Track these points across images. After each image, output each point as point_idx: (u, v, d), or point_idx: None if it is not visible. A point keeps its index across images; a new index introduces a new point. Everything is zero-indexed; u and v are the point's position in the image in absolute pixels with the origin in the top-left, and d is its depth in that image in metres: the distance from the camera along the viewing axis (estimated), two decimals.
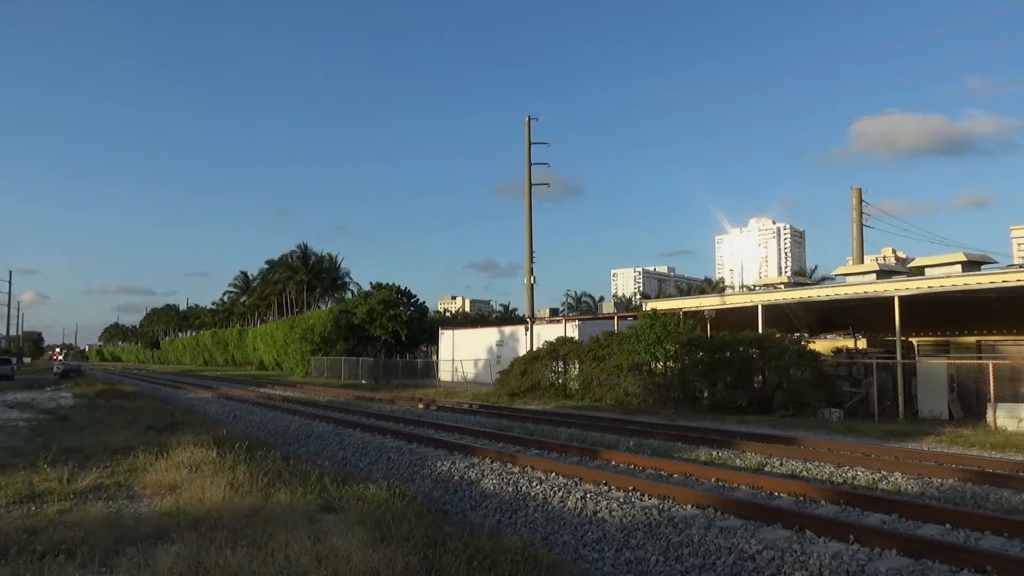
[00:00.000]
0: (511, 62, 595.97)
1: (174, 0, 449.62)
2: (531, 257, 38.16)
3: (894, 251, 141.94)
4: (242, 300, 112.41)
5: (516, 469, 11.70)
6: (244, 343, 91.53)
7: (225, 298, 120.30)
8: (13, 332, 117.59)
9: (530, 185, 38.59)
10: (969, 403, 21.57)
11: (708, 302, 29.22)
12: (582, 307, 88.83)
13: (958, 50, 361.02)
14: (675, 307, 29.30)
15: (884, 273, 25.65)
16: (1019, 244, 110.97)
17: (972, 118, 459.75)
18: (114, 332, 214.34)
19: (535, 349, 33.12)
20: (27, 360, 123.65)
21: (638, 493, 9.68)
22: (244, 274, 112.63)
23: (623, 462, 12.56)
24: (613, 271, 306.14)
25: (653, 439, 16.02)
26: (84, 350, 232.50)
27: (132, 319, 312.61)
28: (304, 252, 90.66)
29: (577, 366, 29.65)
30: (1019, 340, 24.03)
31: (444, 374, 48.89)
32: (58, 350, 70.85)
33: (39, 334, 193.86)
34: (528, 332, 37.16)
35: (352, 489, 9.69)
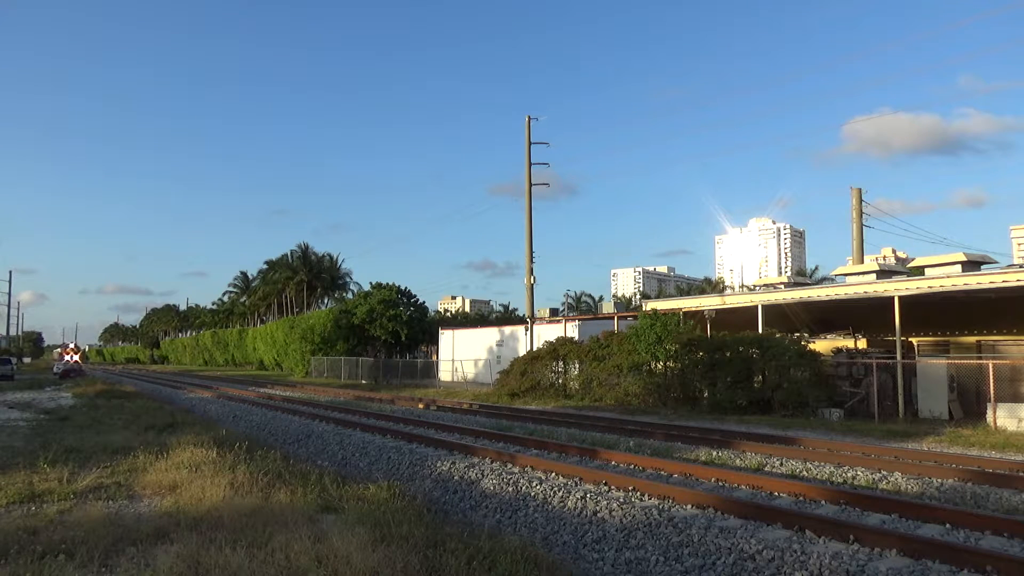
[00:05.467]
0: (508, 61, 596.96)
1: (172, 3, 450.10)
2: (531, 257, 38.19)
3: (894, 251, 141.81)
4: (242, 300, 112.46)
5: (516, 469, 11.70)
6: (244, 343, 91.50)
7: (225, 298, 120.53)
8: (13, 332, 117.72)
9: (530, 185, 38.61)
10: (969, 403, 21.55)
11: (708, 302, 29.19)
12: (582, 307, 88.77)
13: (951, 49, 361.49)
14: (675, 307, 29.28)
15: (884, 273, 25.63)
16: (1019, 244, 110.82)
17: (966, 117, 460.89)
18: (114, 332, 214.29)
19: (535, 349, 33.11)
20: (27, 360, 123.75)
21: (638, 493, 9.68)
22: (244, 274, 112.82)
23: (623, 462, 12.55)
24: (613, 271, 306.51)
25: (653, 439, 16.02)
26: (84, 350, 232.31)
27: (130, 319, 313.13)
28: (304, 252, 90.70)
29: (577, 366, 29.64)
30: (1019, 340, 24.01)
31: (444, 374, 48.88)
32: (72, 347, 67.27)
33: (39, 334, 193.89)
34: (528, 332, 37.16)
35: (352, 489, 9.70)
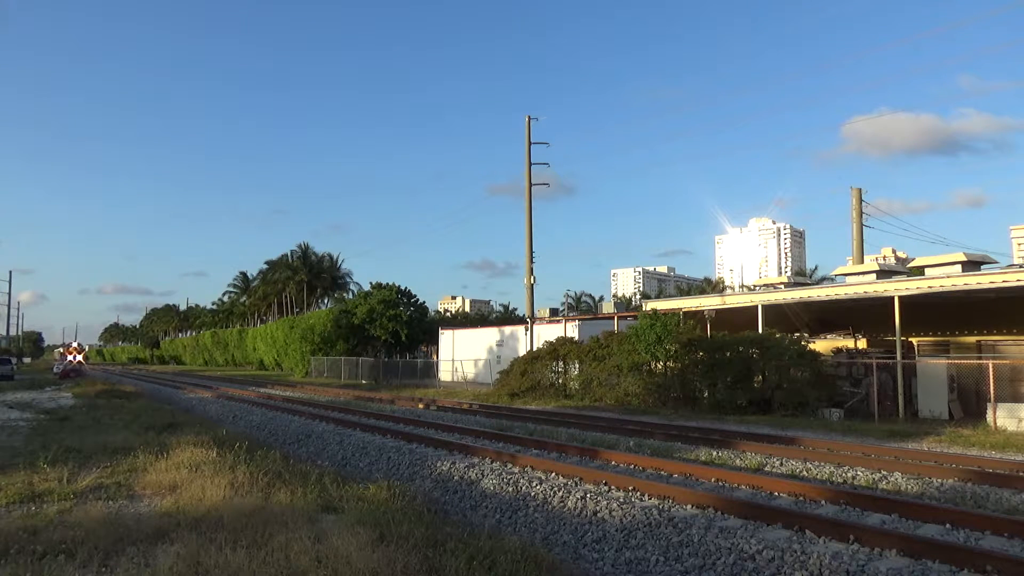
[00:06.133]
0: (507, 61, 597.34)
1: (173, 3, 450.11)
2: (531, 257, 38.17)
3: (894, 251, 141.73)
4: (242, 300, 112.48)
5: (516, 469, 11.70)
6: (244, 343, 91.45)
7: (225, 298, 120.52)
8: (13, 332, 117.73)
9: (530, 185, 38.60)
10: (969, 403, 21.56)
11: (708, 302, 29.19)
12: (582, 307, 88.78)
13: (951, 49, 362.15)
14: (675, 307, 29.28)
15: (884, 273, 25.63)
16: (1019, 244, 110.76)
17: (965, 117, 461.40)
18: (114, 332, 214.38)
19: (535, 349, 33.10)
20: (27, 360, 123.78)
21: (638, 493, 9.68)
22: (244, 274, 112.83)
23: (623, 462, 12.55)
24: (613, 271, 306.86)
25: (653, 439, 16.01)
26: (85, 350, 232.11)
27: (130, 319, 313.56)
28: (304, 252, 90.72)
29: (577, 366, 29.63)
30: (1019, 340, 24.01)
31: (444, 374, 48.88)
32: (75, 346, 66.04)
33: (39, 334, 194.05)
34: (528, 332, 37.15)
35: (352, 489, 9.69)
